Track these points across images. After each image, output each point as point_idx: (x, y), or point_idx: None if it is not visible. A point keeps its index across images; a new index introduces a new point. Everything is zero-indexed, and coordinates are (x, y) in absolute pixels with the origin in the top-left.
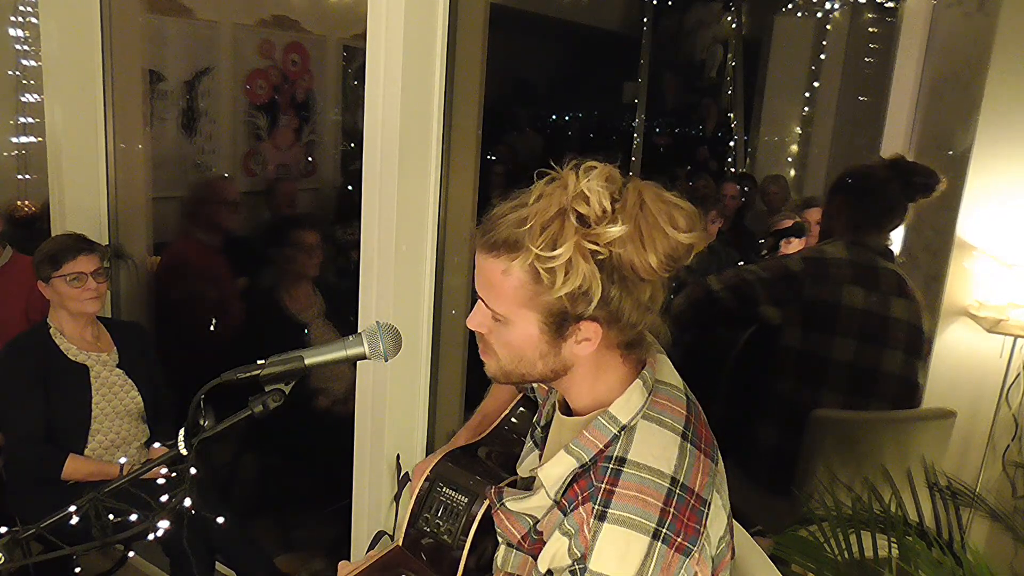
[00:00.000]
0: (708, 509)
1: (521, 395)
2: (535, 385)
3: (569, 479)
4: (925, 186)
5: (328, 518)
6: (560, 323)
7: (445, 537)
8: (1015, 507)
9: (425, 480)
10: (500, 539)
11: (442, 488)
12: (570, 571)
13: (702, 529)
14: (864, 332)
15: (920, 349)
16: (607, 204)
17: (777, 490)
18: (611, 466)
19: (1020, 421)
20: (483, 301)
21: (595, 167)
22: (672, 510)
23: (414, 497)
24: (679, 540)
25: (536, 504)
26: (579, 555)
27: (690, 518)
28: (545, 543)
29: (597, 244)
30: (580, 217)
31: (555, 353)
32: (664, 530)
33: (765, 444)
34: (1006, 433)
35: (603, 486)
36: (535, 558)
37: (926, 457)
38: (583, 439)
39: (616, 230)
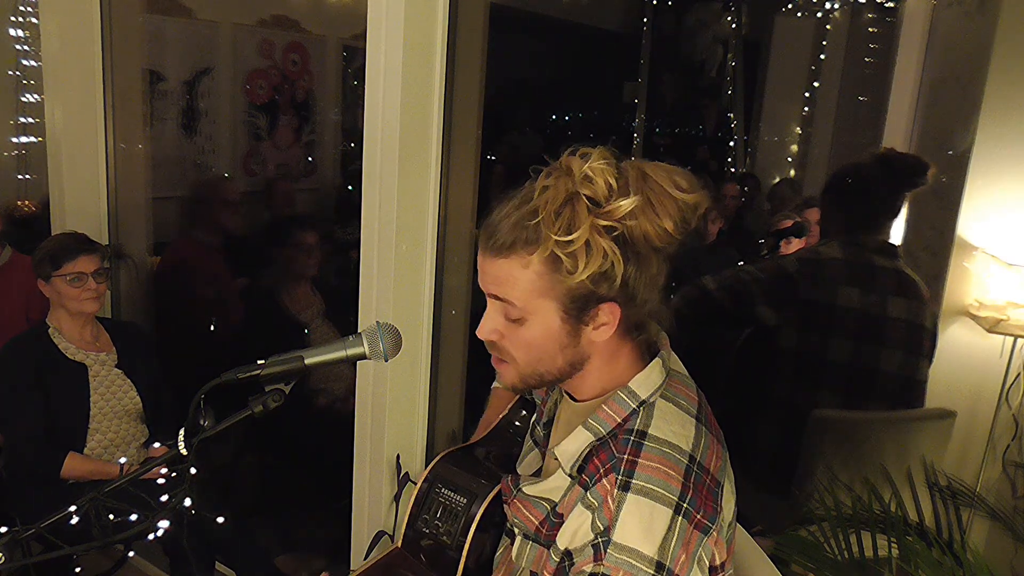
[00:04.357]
0: (721, 491)
1: (518, 396)
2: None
3: (586, 452)
4: (914, 176)
5: (328, 518)
6: (581, 308)
7: (444, 538)
8: (1015, 507)
9: (424, 481)
10: (517, 530)
11: (441, 489)
12: (592, 545)
13: (719, 509)
14: (861, 332)
15: (921, 347)
16: (612, 181)
17: (776, 490)
18: (632, 438)
19: (1020, 421)
20: (497, 301)
21: (590, 151)
22: (692, 486)
23: (413, 498)
24: (699, 517)
25: (553, 485)
26: (602, 528)
27: (707, 497)
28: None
29: (611, 220)
30: (589, 199)
31: (575, 344)
32: (686, 505)
33: (764, 445)
34: (1006, 433)
35: (626, 456)
36: (550, 549)
37: (926, 457)
38: (602, 413)
39: (628, 202)
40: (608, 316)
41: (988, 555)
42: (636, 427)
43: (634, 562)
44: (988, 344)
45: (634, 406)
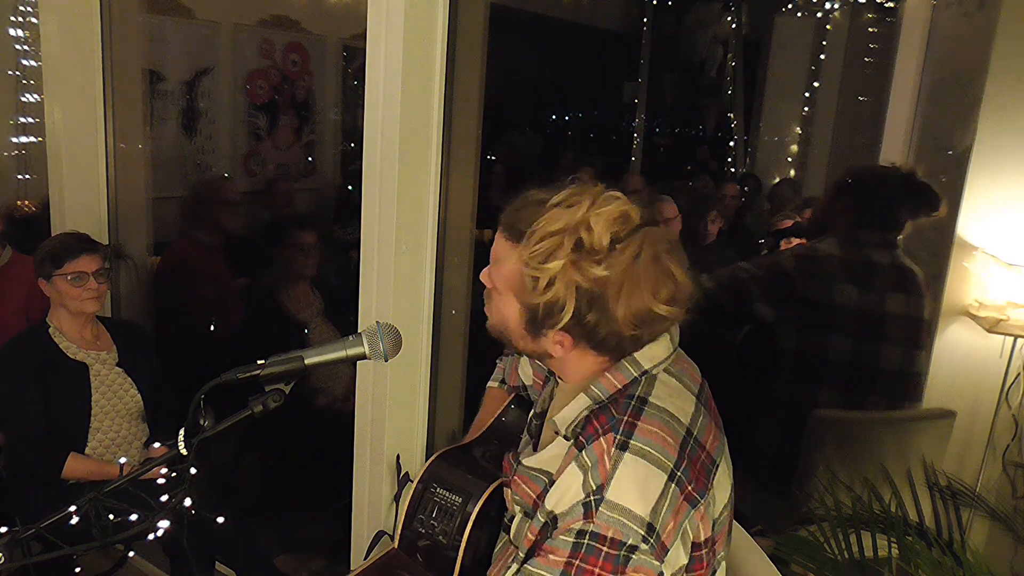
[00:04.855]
0: (716, 470)
1: (513, 395)
2: (529, 385)
3: (585, 415)
4: (928, 208)
5: (328, 518)
6: (534, 321)
7: (441, 538)
8: (1015, 507)
9: (419, 482)
10: (517, 508)
11: (436, 489)
12: (583, 504)
13: (710, 485)
14: (859, 329)
15: (920, 340)
16: (605, 242)
17: (775, 490)
18: (633, 403)
19: (1020, 421)
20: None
21: (617, 198)
22: (687, 457)
23: (408, 498)
24: (690, 488)
25: (551, 454)
26: (595, 486)
27: (700, 471)
28: None
29: (581, 276)
30: (578, 242)
31: (533, 340)
32: (679, 473)
33: (764, 443)
34: (1006, 433)
35: (625, 418)
36: (537, 511)
37: (926, 457)
38: (603, 380)
39: (598, 272)
40: (559, 338)
41: (988, 555)
42: (637, 393)
43: (626, 521)
44: (988, 344)
45: (636, 374)
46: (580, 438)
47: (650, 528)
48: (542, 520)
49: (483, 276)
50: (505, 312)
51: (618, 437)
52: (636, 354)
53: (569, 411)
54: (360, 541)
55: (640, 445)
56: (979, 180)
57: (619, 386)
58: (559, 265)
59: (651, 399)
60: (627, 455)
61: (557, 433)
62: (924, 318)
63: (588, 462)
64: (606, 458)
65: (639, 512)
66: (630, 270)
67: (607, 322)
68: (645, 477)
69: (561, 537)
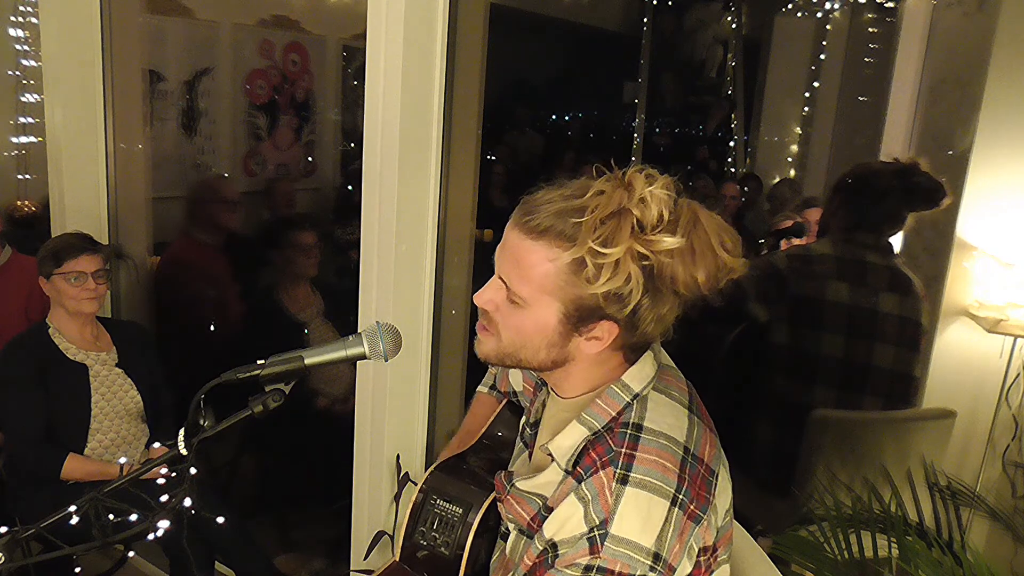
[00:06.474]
0: (716, 480)
1: (505, 400)
2: (519, 390)
3: (581, 447)
4: (928, 200)
5: (328, 518)
6: (582, 318)
7: (442, 549)
8: (1015, 507)
9: (419, 493)
10: (512, 526)
11: (436, 500)
12: (588, 538)
13: (711, 499)
14: (852, 327)
15: (915, 343)
16: (666, 213)
17: (771, 490)
18: (629, 431)
19: (1020, 421)
20: (503, 280)
21: (656, 176)
22: (687, 477)
23: (408, 511)
24: (692, 507)
25: (547, 480)
26: (598, 521)
27: (701, 487)
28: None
29: (648, 250)
30: (637, 220)
31: (562, 345)
32: (681, 496)
33: (759, 442)
34: (1006, 433)
35: (623, 450)
36: (534, 537)
37: (926, 457)
38: (596, 408)
39: (671, 240)
40: (604, 333)
41: (988, 555)
42: (631, 420)
43: (632, 554)
44: (988, 344)
45: (628, 399)
46: (578, 468)
47: (656, 557)
48: (540, 547)
49: (485, 298)
50: (532, 322)
51: (618, 471)
52: (625, 377)
53: (565, 441)
54: (360, 541)
55: (640, 477)
56: (979, 180)
57: (613, 413)
58: (625, 246)
59: (646, 424)
60: (628, 488)
61: (551, 457)
62: (919, 321)
63: (588, 495)
64: (607, 492)
65: (644, 544)
66: (695, 232)
67: (656, 302)
68: (648, 507)
69: (567, 571)
